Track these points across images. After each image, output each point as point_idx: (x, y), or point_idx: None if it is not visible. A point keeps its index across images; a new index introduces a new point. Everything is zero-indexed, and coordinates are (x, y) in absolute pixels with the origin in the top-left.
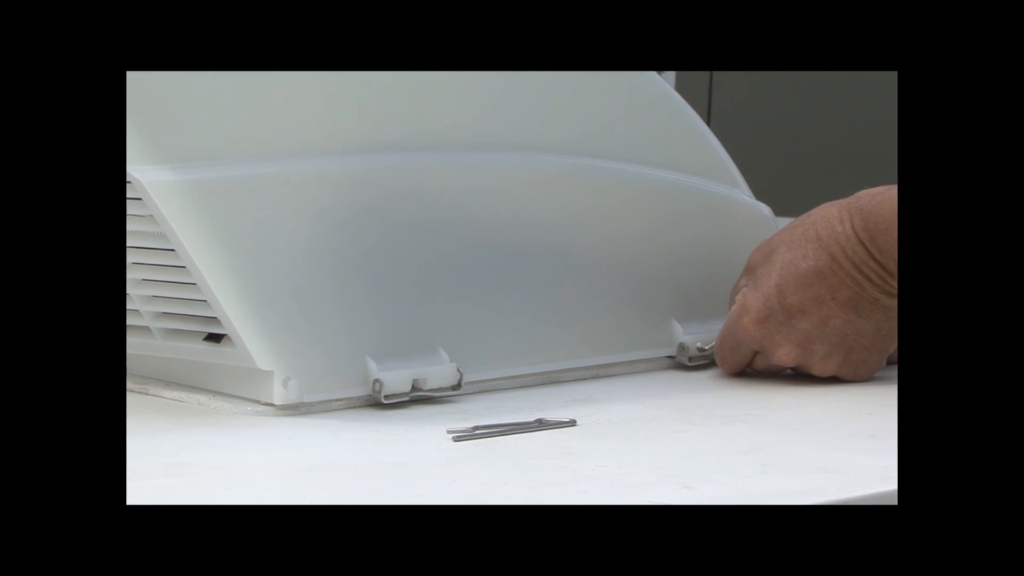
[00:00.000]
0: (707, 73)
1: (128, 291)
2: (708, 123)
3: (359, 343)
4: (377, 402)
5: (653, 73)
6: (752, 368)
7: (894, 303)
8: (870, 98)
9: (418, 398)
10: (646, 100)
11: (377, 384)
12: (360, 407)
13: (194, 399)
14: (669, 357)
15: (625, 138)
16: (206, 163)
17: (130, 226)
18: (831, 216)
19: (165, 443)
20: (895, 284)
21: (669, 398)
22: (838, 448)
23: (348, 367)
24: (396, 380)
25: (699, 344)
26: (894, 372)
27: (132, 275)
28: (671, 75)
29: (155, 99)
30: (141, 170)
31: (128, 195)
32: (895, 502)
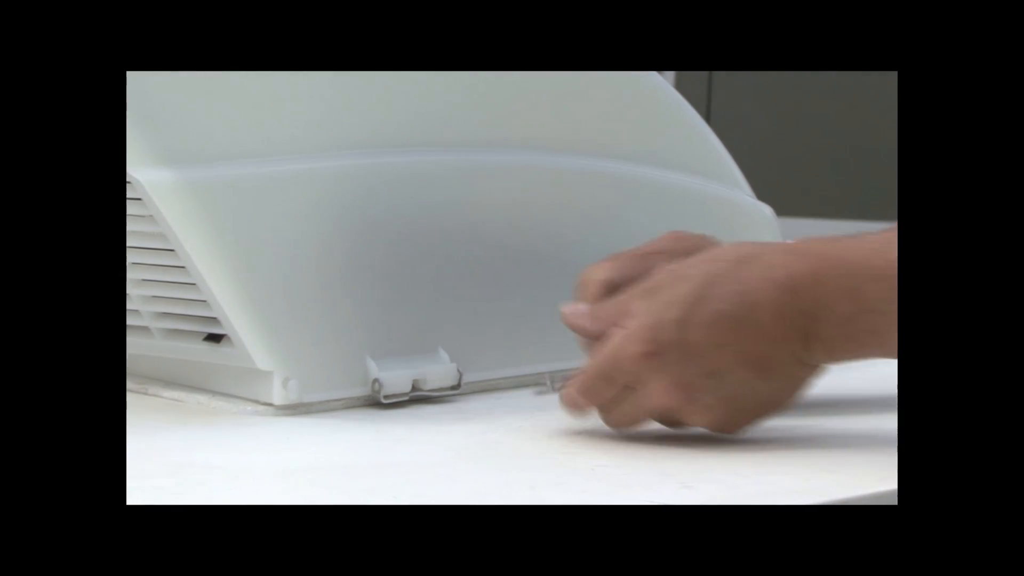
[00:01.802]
0: (707, 73)
1: (128, 291)
2: (708, 123)
3: (359, 343)
4: (377, 402)
5: (654, 73)
6: (608, 411)
7: (801, 371)
8: (870, 98)
9: (418, 398)
10: (647, 100)
11: (377, 384)
12: (360, 407)
13: (194, 399)
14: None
15: (626, 138)
16: (206, 163)
17: (130, 226)
18: (763, 260)
19: (165, 443)
20: (814, 345)
21: None
22: (838, 448)
23: (348, 367)
24: (396, 380)
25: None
26: (894, 367)
27: (132, 275)
28: (671, 75)
29: (155, 99)
30: (141, 170)
31: (128, 195)
32: (895, 502)
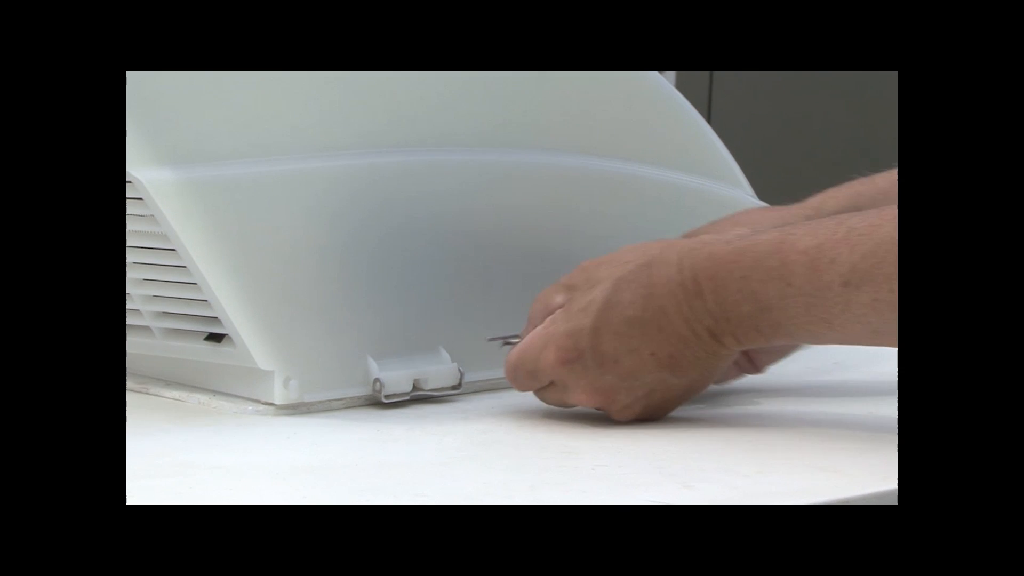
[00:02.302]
0: (707, 73)
1: (129, 291)
2: (708, 123)
3: (360, 343)
4: (377, 402)
5: (655, 73)
6: (541, 397)
7: (715, 362)
8: (870, 98)
9: (419, 397)
10: (648, 100)
11: (377, 384)
12: (360, 407)
13: (194, 399)
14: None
15: (627, 138)
16: (206, 163)
17: (131, 226)
18: (670, 261)
19: (165, 443)
20: (724, 340)
21: None
22: (838, 448)
23: (349, 367)
24: (396, 380)
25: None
26: (894, 369)
27: (133, 275)
28: (671, 75)
29: (155, 99)
30: (141, 170)
31: (129, 195)
32: (895, 502)
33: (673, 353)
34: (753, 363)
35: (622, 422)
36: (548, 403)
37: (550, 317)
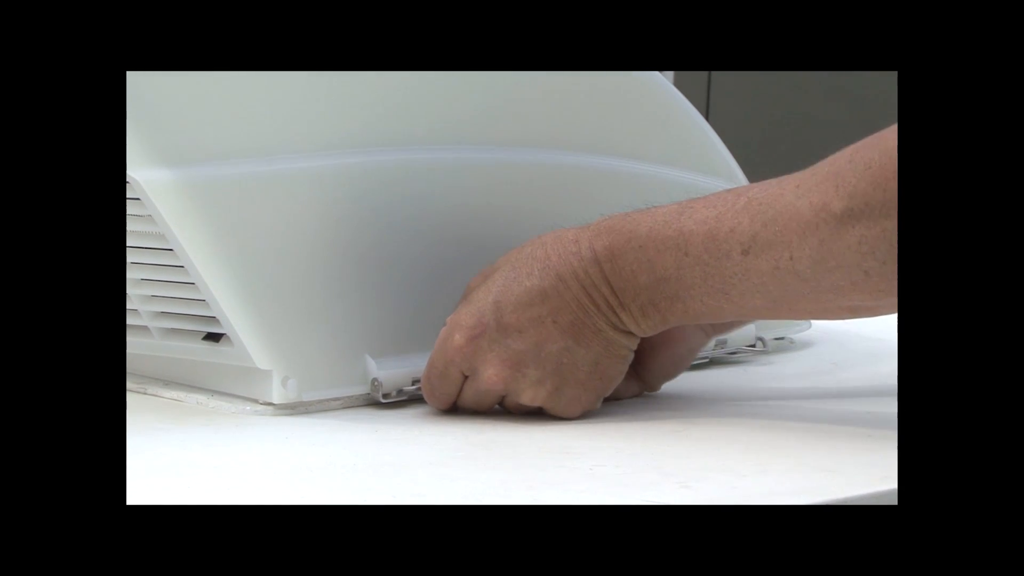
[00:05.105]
0: (706, 73)
1: (127, 291)
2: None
3: (358, 342)
4: (376, 401)
5: (655, 72)
6: (460, 402)
7: (617, 336)
8: (870, 98)
9: (417, 397)
10: (648, 98)
11: (376, 383)
12: (359, 406)
13: (193, 399)
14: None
15: (628, 137)
16: (205, 163)
17: (128, 226)
18: (566, 237)
19: (164, 443)
20: (622, 316)
21: (668, 398)
22: (838, 448)
23: (347, 366)
24: (395, 379)
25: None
26: (893, 369)
27: (131, 275)
28: (670, 75)
29: (152, 99)
30: (139, 170)
31: (127, 195)
32: (895, 502)
33: (574, 321)
34: (643, 379)
35: (534, 402)
36: (470, 406)
37: (452, 314)
